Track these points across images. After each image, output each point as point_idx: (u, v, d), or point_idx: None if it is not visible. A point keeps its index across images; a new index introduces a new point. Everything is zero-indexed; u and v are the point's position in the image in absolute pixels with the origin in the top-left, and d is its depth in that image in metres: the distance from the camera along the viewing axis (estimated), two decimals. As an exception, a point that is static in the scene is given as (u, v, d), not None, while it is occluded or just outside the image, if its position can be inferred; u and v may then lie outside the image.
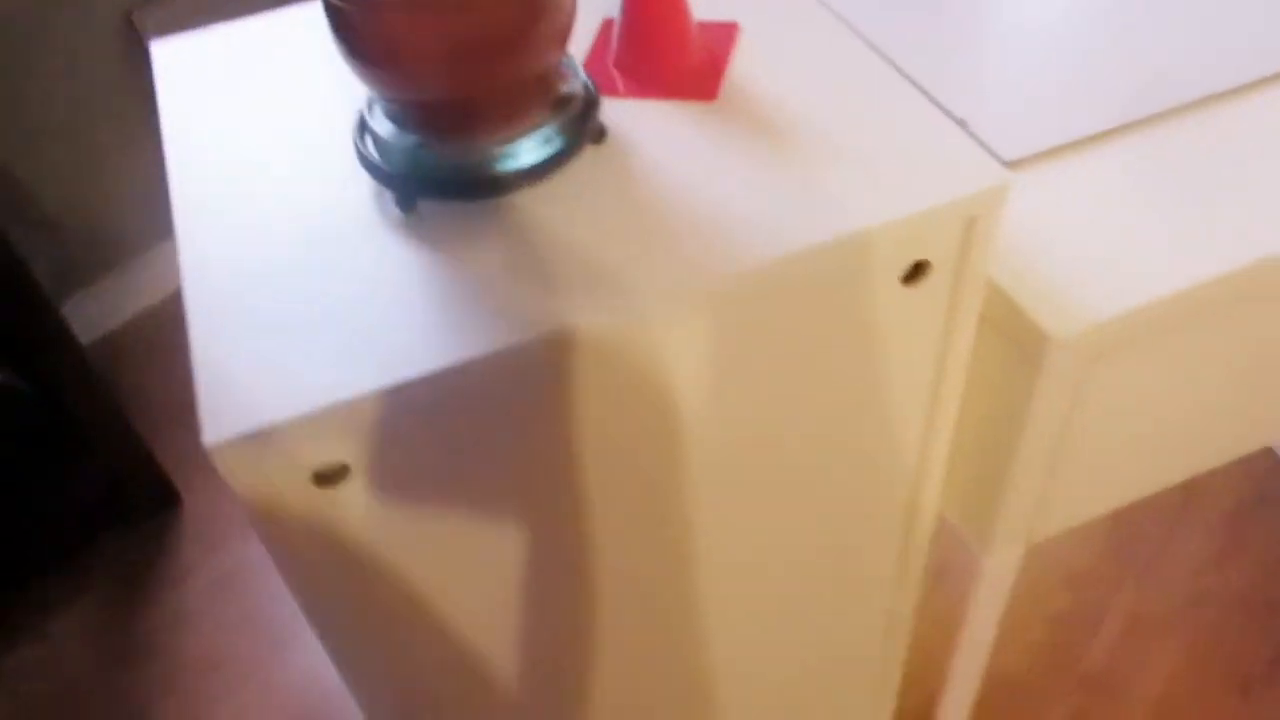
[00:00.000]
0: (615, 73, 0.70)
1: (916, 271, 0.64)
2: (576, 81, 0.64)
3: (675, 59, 0.69)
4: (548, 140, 0.61)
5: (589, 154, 0.65)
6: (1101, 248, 0.68)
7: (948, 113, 0.77)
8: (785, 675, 0.97)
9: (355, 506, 0.58)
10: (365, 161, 0.62)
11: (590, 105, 0.63)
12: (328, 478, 0.56)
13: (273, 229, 0.62)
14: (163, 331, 1.90)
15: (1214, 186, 0.71)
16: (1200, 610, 1.41)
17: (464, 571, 0.65)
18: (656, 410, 0.63)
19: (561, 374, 0.57)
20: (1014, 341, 0.66)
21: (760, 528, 0.77)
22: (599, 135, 0.65)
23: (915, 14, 0.88)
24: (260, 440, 0.52)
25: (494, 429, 0.58)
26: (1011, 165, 0.74)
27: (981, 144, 0.75)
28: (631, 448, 0.64)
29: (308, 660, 1.46)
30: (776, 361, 0.65)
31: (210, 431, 0.51)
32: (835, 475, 0.75)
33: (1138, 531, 1.51)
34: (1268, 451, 1.57)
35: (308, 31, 0.77)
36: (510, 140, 0.60)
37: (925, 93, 0.80)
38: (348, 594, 0.63)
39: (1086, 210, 0.70)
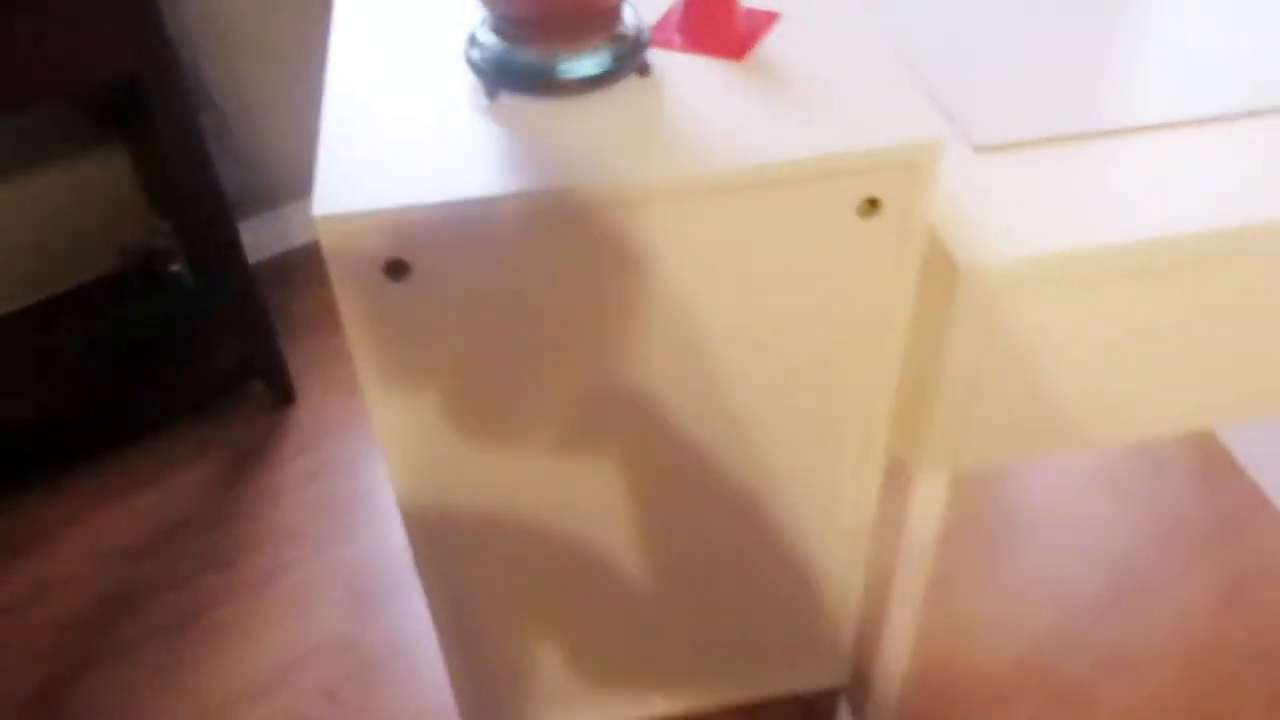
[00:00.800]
0: (675, 34, 0.91)
1: (870, 207, 0.82)
2: (632, 26, 0.84)
3: (721, 28, 0.89)
4: (601, 63, 0.81)
5: (635, 82, 0.85)
6: (1032, 218, 0.84)
7: (934, 98, 0.95)
8: (752, 591, 1.13)
9: (415, 301, 0.79)
10: (469, 61, 0.83)
11: (639, 45, 0.84)
12: (395, 269, 0.77)
13: (398, 91, 0.84)
14: (318, 263, 2.20)
15: (1142, 190, 0.86)
16: (1185, 650, 1.49)
17: (498, 378, 0.85)
18: (640, 275, 0.81)
19: (570, 221, 0.77)
20: (938, 275, 0.83)
21: (726, 421, 0.94)
22: (644, 69, 0.85)
23: (947, 24, 1.05)
24: (349, 222, 0.73)
25: (523, 261, 0.78)
26: (980, 150, 0.90)
27: (961, 128, 0.92)
28: (615, 301, 0.83)
29: (375, 547, 1.68)
30: (754, 264, 0.83)
31: (318, 206, 0.73)
32: (799, 380, 0.92)
33: (1134, 566, 1.60)
34: (1274, 515, 1.64)
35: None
36: (572, 56, 0.81)
37: (924, 79, 0.97)
38: (404, 384, 0.84)
39: (1032, 192, 0.86)
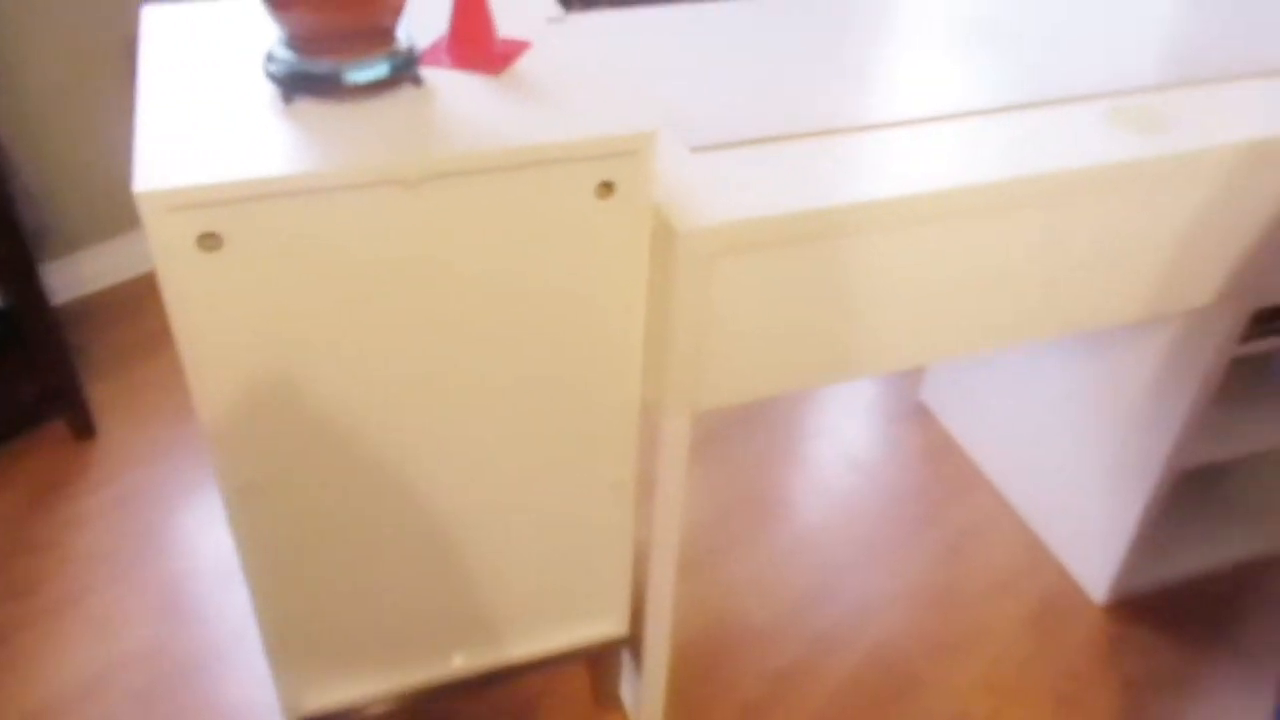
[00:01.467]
0: (444, 55, 1.09)
1: (606, 190, 1.02)
2: (406, 42, 1.02)
3: (481, 50, 1.09)
4: (380, 72, 0.99)
5: (410, 90, 1.03)
6: (737, 197, 1.06)
7: (655, 108, 1.17)
8: (534, 549, 1.29)
9: (227, 272, 0.93)
10: (268, 73, 0.99)
11: (412, 58, 1.02)
12: (207, 242, 0.91)
13: (207, 100, 0.98)
14: (120, 305, 2.24)
15: (828, 174, 1.10)
16: (916, 596, 1.75)
17: (304, 347, 0.99)
18: (416, 249, 0.99)
19: (356, 198, 0.93)
20: (665, 244, 1.04)
21: (496, 383, 1.11)
22: (418, 80, 1.03)
23: (671, 48, 1.29)
24: (165, 198, 0.87)
25: (319, 235, 0.94)
26: (696, 150, 1.13)
27: (678, 132, 1.15)
28: (399, 272, 0.99)
29: (184, 564, 1.74)
30: (515, 241, 1.02)
31: (139, 184, 0.86)
32: (560, 344, 1.11)
33: (875, 533, 1.86)
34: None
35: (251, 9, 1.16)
36: (356, 66, 0.98)
37: (650, 94, 1.19)
38: (221, 354, 0.97)
39: (738, 179, 1.09)
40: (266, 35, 1.10)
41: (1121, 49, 1.41)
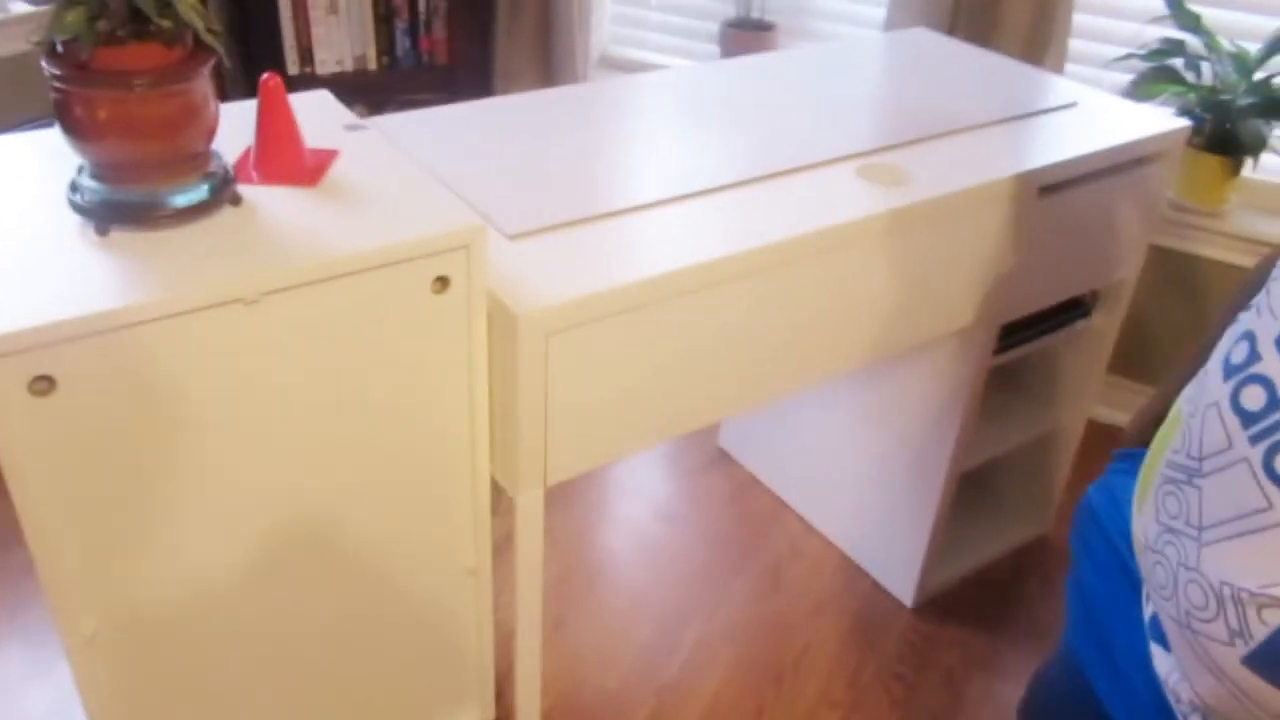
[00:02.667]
0: (253, 171, 1.10)
1: (441, 285, 1.06)
2: (220, 165, 1.02)
3: (292, 163, 1.10)
4: (197, 196, 0.98)
5: (230, 210, 1.02)
6: (561, 277, 1.12)
7: (469, 202, 1.22)
8: (401, 642, 1.28)
9: (62, 414, 0.88)
10: (73, 205, 0.96)
11: (229, 179, 1.02)
12: (39, 386, 0.87)
13: (12, 240, 0.94)
14: None
15: (634, 249, 1.19)
16: (748, 631, 1.85)
17: (145, 479, 0.96)
18: (252, 377, 0.98)
19: (187, 326, 0.92)
20: (504, 328, 1.08)
21: (346, 490, 1.11)
22: (236, 199, 1.03)
23: (469, 149, 1.34)
24: (-4, 344, 0.83)
25: (150, 368, 0.92)
26: (514, 237, 1.19)
27: (495, 223, 1.20)
28: (242, 396, 0.98)
29: (-24, 746, 1.57)
30: (357, 345, 1.03)
31: (-38, 334, 0.81)
32: (408, 440, 1.12)
33: (700, 577, 1.95)
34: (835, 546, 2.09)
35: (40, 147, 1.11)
36: (171, 192, 0.97)
37: (461, 191, 1.24)
38: (59, 496, 0.92)
39: (558, 260, 1.15)
40: (63, 166, 1.06)
41: (859, 116, 1.59)
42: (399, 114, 1.48)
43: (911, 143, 1.51)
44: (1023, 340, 1.72)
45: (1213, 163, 2.12)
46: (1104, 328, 1.84)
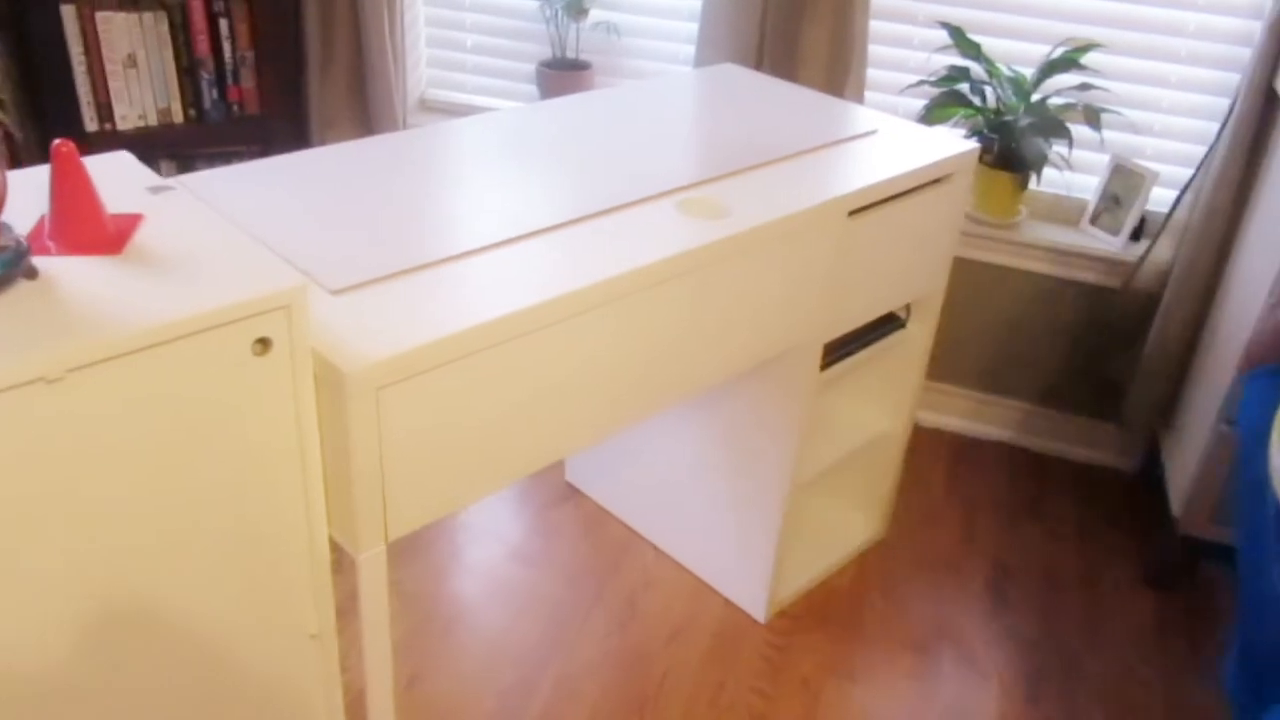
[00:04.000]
0: (49, 242, 1.04)
1: (263, 346, 1.03)
2: (12, 238, 0.97)
3: (92, 232, 1.05)
4: (-10, 271, 0.93)
5: (26, 286, 0.97)
6: (388, 329, 1.11)
7: (289, 259, 1.20)
8: (230, 712, 1.23)
9: None
10: None
11: (21, 253, 0.96)
12: None
13: None
14: None
15: (468, 294, 1.19)
16: (608, 664, 1.86)
17: (-68, 579, 0.89)
18: (62, 455, 0.93)
19: None
20: (331, 386, 1.06)
21: (172, 563, 1.07)
22: (32, 273, 0.98)
23: (286, 204, 1.31)
24: None
25: (-48, 453, 0.86)
26: (336, 292, 1.17)
27: (316, 279, 1.18)
28: (44, 482, 0.93)
29: None
30: (180, 414, 0.99)
31: None
32: (234, 508, 1.08)
33: (557, 616, 1.95)
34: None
35: None
36: (-40, 269, 0.91)
37: (277, 249, 1.22)
38: None
39: (382, 313, 1.14)
40: None
41: (676, 152, 1.65)
42: (210, 170, 1.44)
43: (728, 175, 1.57)
44: (845, 354, 1.80)
45: (1003, 179, 2.28)
46: (919, 337, 1.95)
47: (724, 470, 1.91)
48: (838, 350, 1.80)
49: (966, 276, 2.42)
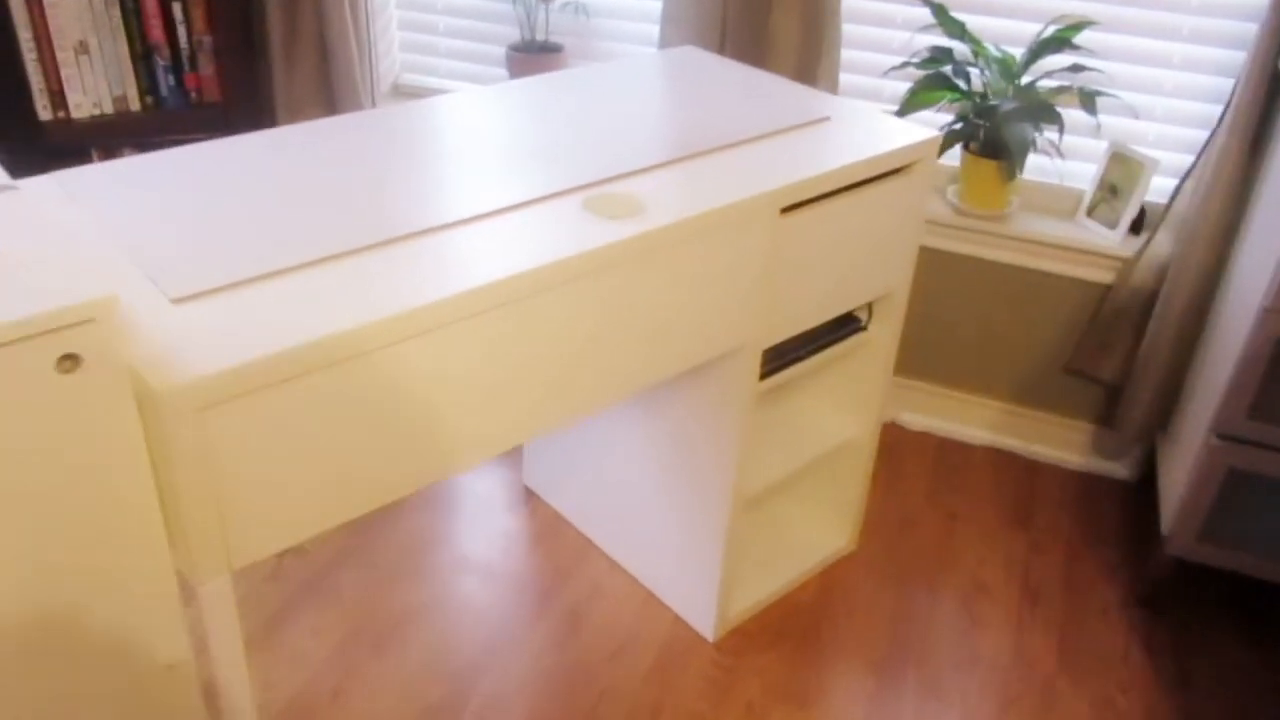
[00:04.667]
0: None
1: (71, 362, 0.95)
2: None
3: (-99, 237, 0.97)
4: None
5: None
6: (229, 342, 1.03)
7: (141, 264, 1.12)
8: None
9: None
10: None
11: None
12: None
13: None
14: None
15: (329, 301, 1.09)
16: (543, 681, 1.77)
17: None
18: None
19: None
20: (150, 406, 0.98)
21: (7, 608, 0.99)
22: None
23: (164, 201, 1.23)
24: None
25: None
26: (178, 300, 1.08)
27: (160, 285, 1.10)
28: None
29: None
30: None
31: None
32: (63, 540, 1.00)
33: (499, 627, 1.87)
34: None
35: None
36: None
37: (132, 252, 1.14)
38: None
39: (222, 324, 1.06)
40: None
41: (602, 143, 1.53)
42: (97, 165, 1.36)
43: (653, 167, 1.45)
44: (790, 361, 1.68)
45: (989, 168, 2.13)
46: (882, 339, 1.82)
47: (667, 479, 1.81)
48: (785, 355, 1.68)
49: (951, 271, 2.28)
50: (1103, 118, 2.12)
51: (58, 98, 2.24)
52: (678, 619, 1.90)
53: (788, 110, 1.68)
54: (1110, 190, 2.13)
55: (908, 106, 2.13)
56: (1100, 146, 2.16)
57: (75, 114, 2.27)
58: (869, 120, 1.66)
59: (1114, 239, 2.12)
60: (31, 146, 2.26)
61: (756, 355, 1.57)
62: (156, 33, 2.27)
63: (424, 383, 1.17)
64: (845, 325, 1.79)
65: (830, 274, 1.60)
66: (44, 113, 2.25)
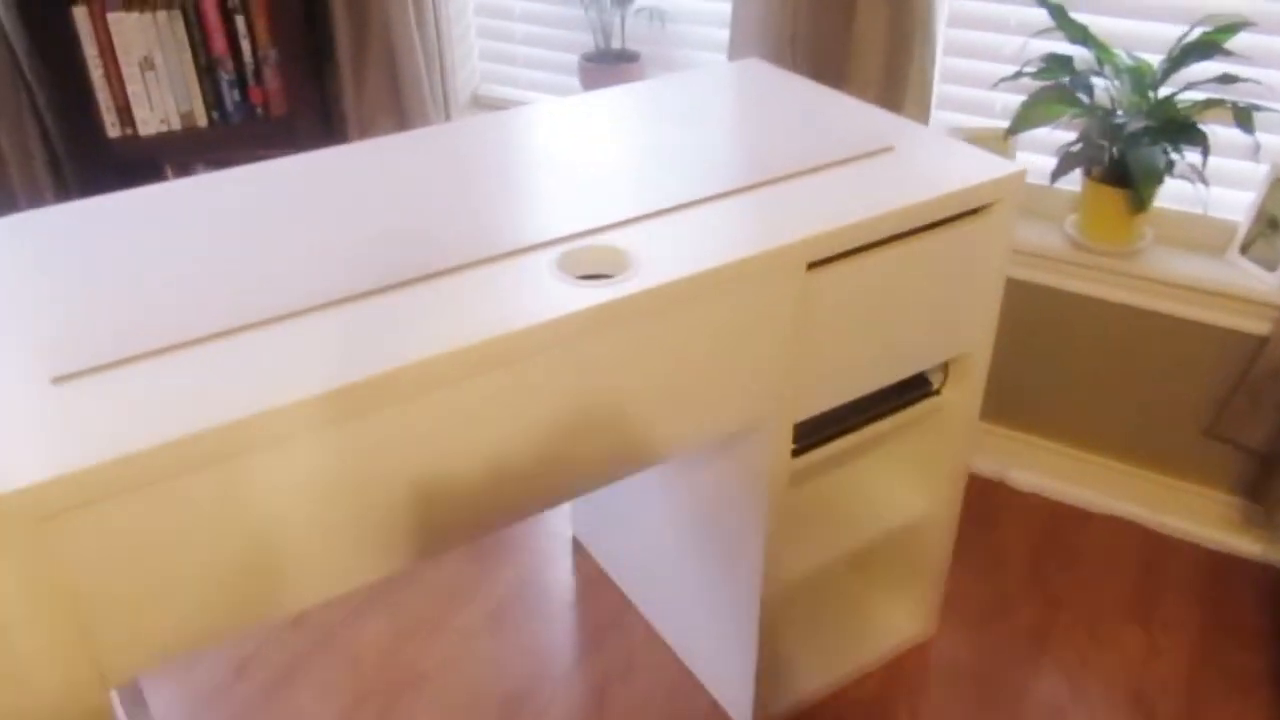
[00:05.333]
0: None
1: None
2: None
3: None
4: None
5: None
6: (84, 435, 0.89)
7: (34, 333, 1.00)
8: None
9: None
10: None
11: None
12: None
13: None
14: None
15: (226, 382, 0.95)
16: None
17: None
18: None
19: None
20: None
21: None
22: None
23: (88, 257, 1.12)
24: None
25: None
26: (61, 379, 0.96)
27: (46, 361, 0.98)
28: None
29: None
30: None
31: None
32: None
33: (517, 700, 1.70)
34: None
35: None
36: None
37: (28, 316, 1.02)
38: None
39: (112, 406, 0.92)
40: None
41: (604, 183, 1.34)
42: (21, 215, 1.26)
43: (657, 214, 1.25)
44: (836, 434, 1.44)
45: (1114, 197, 1.81)
46: (958, 404, 1.55)
47: (698, 555, 1.60)
48: (834, 424, 1.44)
49: (1071, 312, 1.96)
50: (1261, 136, 1.76)
51: (125, 114, 2.22)
52: (714, 703, 1.69)
53: (844, 137, 1.43)
54: (1270, 224, 1.77)
55: (1020, 123, 1.83)
56: (1259, 171, 1.80)
57: (142, 130, 2.24)
58: (940, 151, 1.40)
59: (1273, 283, 1.76)
60: (101, 164, 2.24)
61: (785, 430, 1.34)
62: (220, 46, 2.21)
63: (323, 483, 1.00)
64: (913, 388, 1.53)
65: (880, 336, 1.35)
66: (112, 130, 2.23)
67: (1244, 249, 1.81)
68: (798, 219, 1.23)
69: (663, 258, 1.15)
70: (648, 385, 1.17)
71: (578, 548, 2.01)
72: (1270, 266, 1.77)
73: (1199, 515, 1.99)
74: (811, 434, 1.43)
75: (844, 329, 1.30)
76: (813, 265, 1.23)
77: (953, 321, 1.43)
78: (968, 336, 1.47)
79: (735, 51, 1.94)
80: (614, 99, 1.58)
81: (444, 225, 1.21)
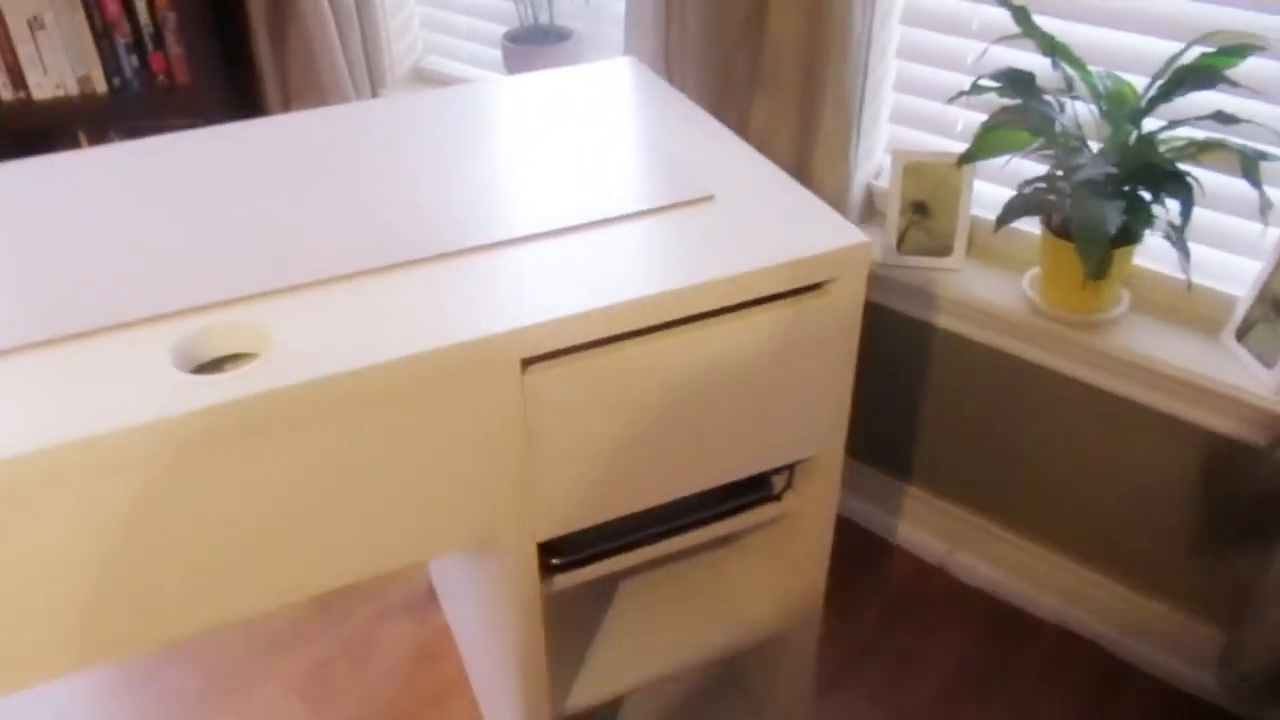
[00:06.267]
0: None
1: None
2: None
3: None
4: None
5: None
6: None
7: None
8: None
9: None
10: None
11: None
12: None
13: None
14: None
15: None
16: None
17: None
18: None
19: None
20: None
21: None
22: None
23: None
24: None
25: None
26: None
27: None
28: None
29: None
30: None
31: None
32: None
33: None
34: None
35: None
36: None
37: None
38: None
39: None
40: None
41: (287, 235, 1.08)
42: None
43: (329, 282, 0.98)
44: (619, 549, 1.16)
45: (1074, 256, 1.44)
46: (806, 513, 1.24)
47: (491, 654, 1.34)
48: (626, 532, 1.16)
49: (1028, 385, 1.61)
50: (1271, 190, 1.37)
51: (15, 76, 2.05)
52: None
53: (655, 178, 1.13)
54: (1274, 306, 1.38)
55: (975, 151, 1.48)
56: (1269, 236, 1.40)
57: (36, 94, 2.08)
58: (773, 204, 1.08)
59: (1269, 383, 1.38)
60: (-8, 129, 2.09)
61: (527, 550, 1.06)
62: (112, 9, 2.01)
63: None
64: (749, 490, 1.23)
65: (666, 442, 1.06)
66: (4, 91, 2.07)
67: (1241, 334, 1.42)
68: (515, 300, 0.94)
69: (311, 347, 0.89)
70: (287, 506, 0.91)
71: (431, 597, 1.78)
72: (1269, 362, 1.38)
73: (1171, 643, 1.62)
74: (613, 537, 1.16)
75: (601, 435, 1.02)
76: (530, 361, 0.95)
77: (785, 419, 1.12)
78: (809, 437, 1.15)
79: (629, 45, 1.63)
80: (401, 109, 1.30)
81: (72, 282, 0.97)
